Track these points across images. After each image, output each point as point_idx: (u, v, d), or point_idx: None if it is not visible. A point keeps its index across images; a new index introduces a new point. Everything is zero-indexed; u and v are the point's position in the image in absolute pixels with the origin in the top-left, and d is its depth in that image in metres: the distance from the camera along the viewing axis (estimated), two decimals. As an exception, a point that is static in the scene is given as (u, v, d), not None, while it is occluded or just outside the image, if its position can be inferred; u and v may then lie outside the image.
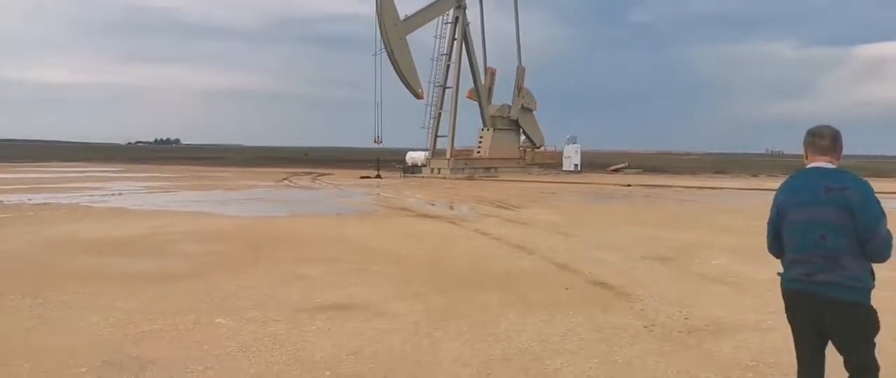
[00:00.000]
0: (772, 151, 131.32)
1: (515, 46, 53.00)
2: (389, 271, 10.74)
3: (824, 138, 4.13)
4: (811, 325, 4.11)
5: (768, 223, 4.36)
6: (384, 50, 42.45)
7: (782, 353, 6.55)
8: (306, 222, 18.06)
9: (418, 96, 44.93)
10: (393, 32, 42.56)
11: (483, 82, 50.63)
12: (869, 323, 3.99)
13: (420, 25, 45.80)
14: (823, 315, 4.01)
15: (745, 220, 19.98)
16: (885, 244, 3.91)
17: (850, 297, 3.92)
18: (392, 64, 42.96)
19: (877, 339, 4.02)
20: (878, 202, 3.94)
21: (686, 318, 7.76)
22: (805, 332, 4.18)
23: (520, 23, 53.01)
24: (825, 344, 4.14)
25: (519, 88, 53.33)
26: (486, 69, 50.99)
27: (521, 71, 53.59)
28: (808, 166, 4.18)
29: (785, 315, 4.31)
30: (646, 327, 7.36)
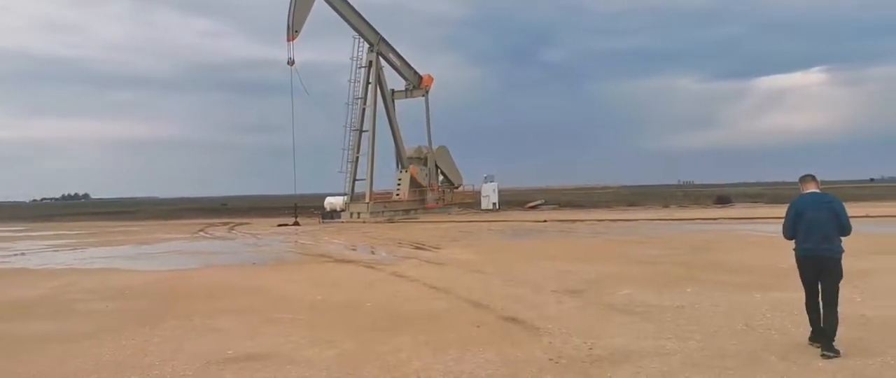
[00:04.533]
0: (683, 182, 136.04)
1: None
2: (303, 319, 10.71)
3: (814, 179, 8.01)
4: (814, 273, 7.70)
5: (787, 220, 7.88)
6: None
7: (676, 376, 6.90)
8: (220, 274, 17.76)
9: (289, 36, 42.35)
10: None
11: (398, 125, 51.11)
12: (840, 270, 7.63)
13: None
14: (821, 267, 7.61)
15: (654, 249, 20.74)
16: (849, 227, 7.65)
17: (837, 257, 7.59)
18: None
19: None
20: (845, 208, 7.73)
21: (591, 349, 8.04)
22: (811, 278, 7.76)
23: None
24: (818, 284, 7.68)
25: (437, 167, 54.48)
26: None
27: (437, 152, 54.93)
28: (807, 192, 7.93)
29: (798, 274, 7.93)
30: (551, 360, 7.60)
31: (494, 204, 55.96)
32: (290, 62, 42.42)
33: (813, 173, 8.06)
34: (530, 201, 62.23)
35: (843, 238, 7.70)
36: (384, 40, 48.87)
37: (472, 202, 58.32)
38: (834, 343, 7.41)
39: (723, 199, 58.77)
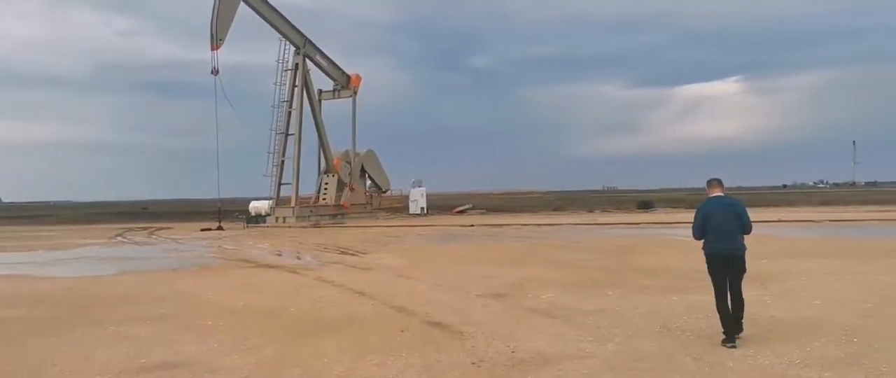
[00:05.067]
0: (607, 187, 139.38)
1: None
2: (223, 325, 10.44)
3: (720, 183, 8.78)
4: (724, 270, 8.41)
5: (696, 222, 8.56)
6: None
7: (595, 378, 7.00)
8: (137, 280, 17.19)
9: (213, 46, 41.61)
10: None
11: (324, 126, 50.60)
12: (744, 264, 8.51)
13: None
14: (729, 263, 8.38)
15: (578, 254, 21.09)
16: (751, 227, 8.51)
17: (741, 254, 8.42)
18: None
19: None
20: (747, 210, 8.56)
21: (513, 352, 8.10)
22: (721, 275, 8.42)
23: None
24: (727, 280, 8.39)
25: (364, 171, 54.25)
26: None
27: (365, 156, 54.51)
28: (713, 195, 8.66)
29: (708, 273, 8.55)
30: (474, 364, 7.62)
31: (422, 208, 56.02)
32: (215, 72, 41.53)
33: (719, 178, 8.83)
34: (458, 206, 62.53)
35: (745, 236, 8.53)
36: (310, 42, 48.34)
37: (400, 206, 58.25)
38: (742, 322, 8.48)
39: (645, 204, 60.36)
